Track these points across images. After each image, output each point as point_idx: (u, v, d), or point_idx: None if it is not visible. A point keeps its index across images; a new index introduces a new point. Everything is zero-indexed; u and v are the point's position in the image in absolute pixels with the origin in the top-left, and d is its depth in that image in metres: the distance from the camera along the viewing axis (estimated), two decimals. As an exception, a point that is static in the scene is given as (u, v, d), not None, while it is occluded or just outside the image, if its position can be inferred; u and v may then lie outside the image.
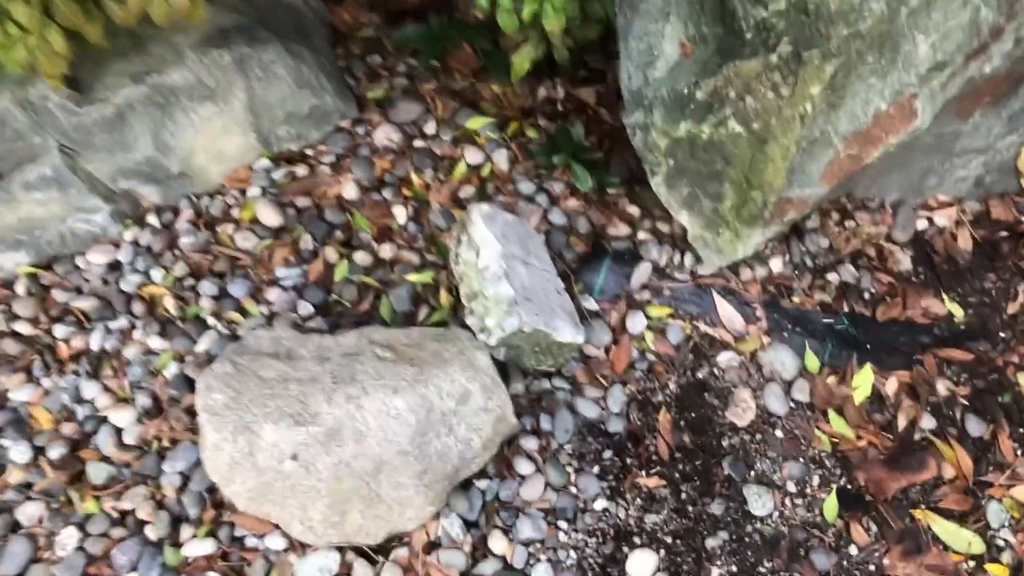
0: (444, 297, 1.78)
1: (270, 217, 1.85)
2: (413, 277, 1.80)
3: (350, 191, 1.91)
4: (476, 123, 2.02)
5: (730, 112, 1.48)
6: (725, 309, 1.78)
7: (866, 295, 1.82)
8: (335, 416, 1.38)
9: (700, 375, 1.73)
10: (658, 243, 1.85)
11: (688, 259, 1.84)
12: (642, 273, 1.80)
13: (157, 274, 1.80)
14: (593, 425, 1.67)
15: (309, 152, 1.99)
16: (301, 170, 1.95)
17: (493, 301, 1.56)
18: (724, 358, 1.74)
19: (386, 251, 1.85)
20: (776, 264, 1.84)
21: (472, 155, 1.98)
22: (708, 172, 1.60)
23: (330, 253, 1.83)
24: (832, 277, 1.84)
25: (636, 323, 1.76)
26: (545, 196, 1.91)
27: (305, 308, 1.76)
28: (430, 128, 2.02)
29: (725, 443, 1.66)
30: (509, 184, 1.95)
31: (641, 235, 1.87)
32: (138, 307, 1.76)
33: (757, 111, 1.46)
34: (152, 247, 1.83)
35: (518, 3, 1.68)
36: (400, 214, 1.90)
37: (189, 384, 1.65)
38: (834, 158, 1.55)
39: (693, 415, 1.68)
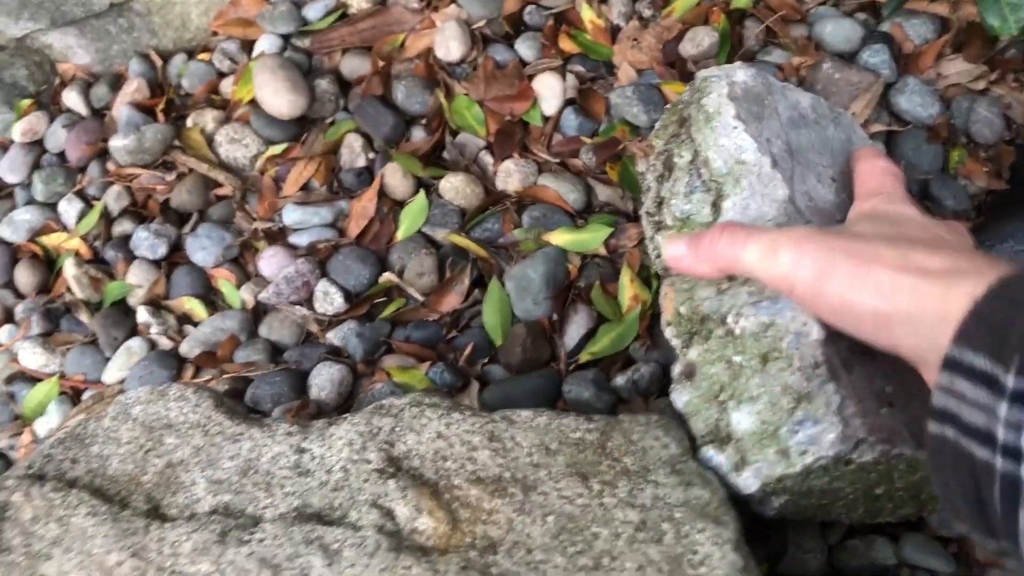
0: (628, 293, 0.75)
1: (285, 99, 0.88)
2: (562, 238, 0.79)
3: (451, 45, 0.90)
4: None
5: None
6: None
7: None
8: None
9: None
10: None
11: None
12: None
13: (70, 209, 0.90)
14: None
15: (379, -36, 0.99)
16: (360, 1, 0.96)
17: (757, 352, 0.53)
18: None
19: (511, 176, 0.84)
20: None
21: (716, -38, 0.90)
22: None
23: (394, 176, 0.85)
24: None
25: None
26: (885, 51, 0.81)
27: (329, 298, 0.80)
28: (628, -91, 0.96)
29: None
30: (797, 25, 0.87)
31: None
32: (24, 277, 0.87)
33: None
34: (66, 154, 0.93)
35: None
36: (550, 93, 0.87)
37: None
38: None
39: None
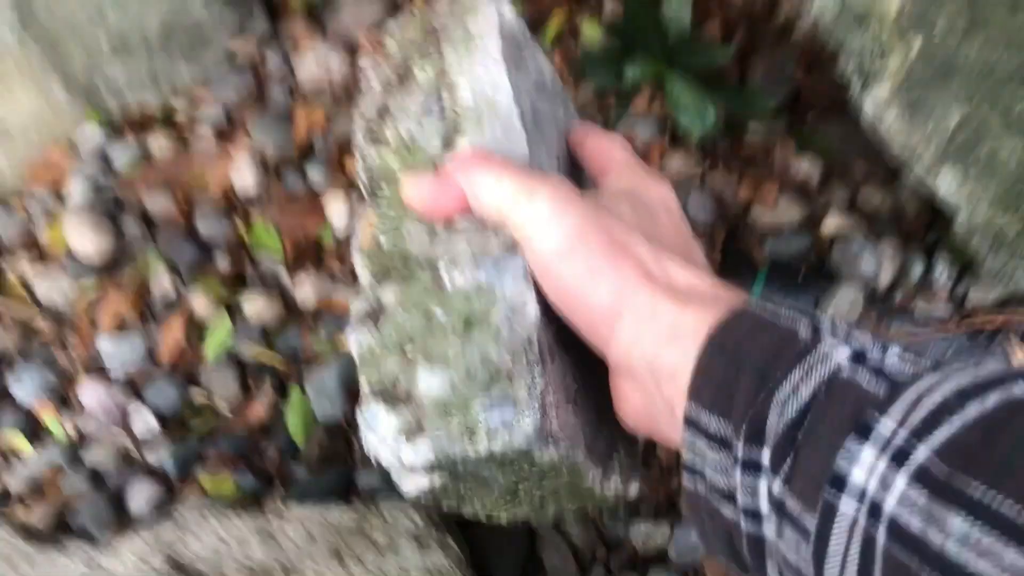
0: (413, 385, 0.85)
1: (92, 240, 0.96)
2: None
3: (246, 176, 1.00)
4: (483, 24, 1.06)
5: None
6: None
7: None
8: None
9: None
10: (871, 238, 0.86)
11: (944, 269, 0.84)
12: (839, 310, 0.82)
13: None
14: None
15: (177, 106, 1.09)
16: (160, 142, 1.05)
17: (463, 312, 0.44)
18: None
19: (306, 290, 0.93)
20: None
21: (475, 85, 1.02)
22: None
23: (199, 302, 0.93)
24: None
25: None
26: (619, 152, 0.94)
27: (144, 421, 0.87)
28: (399, 42, 1.08)
29: None
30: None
31: (830, 222, 0.88)
32: None
33: None
34: None
35: None
36: (337, 212, 0.97)
37: None
38: None
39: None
